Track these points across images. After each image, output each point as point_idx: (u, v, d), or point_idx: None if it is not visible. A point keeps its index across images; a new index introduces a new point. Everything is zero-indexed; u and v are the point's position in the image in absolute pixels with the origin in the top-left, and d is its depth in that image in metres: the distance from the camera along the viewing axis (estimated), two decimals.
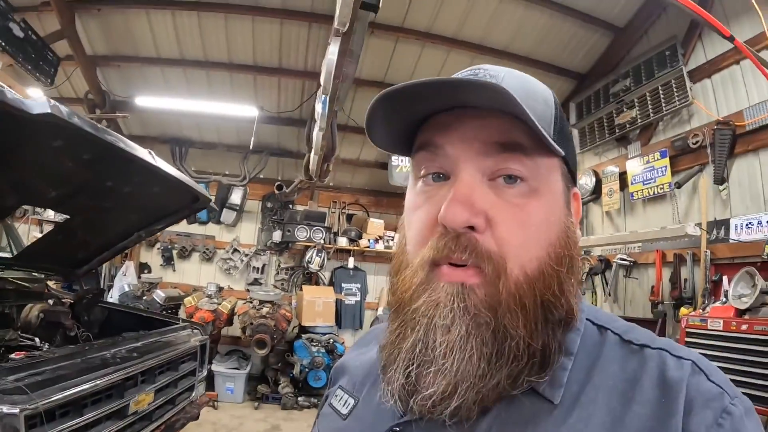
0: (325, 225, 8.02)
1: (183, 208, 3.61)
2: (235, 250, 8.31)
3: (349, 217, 8.69)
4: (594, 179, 5.95)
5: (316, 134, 5.26)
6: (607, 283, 5.63)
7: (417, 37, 5.99)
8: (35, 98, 2.03)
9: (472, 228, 0.61)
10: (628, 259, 5.35)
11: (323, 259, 7.91)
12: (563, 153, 0.65)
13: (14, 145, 2.27)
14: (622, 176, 5.58)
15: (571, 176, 0.73)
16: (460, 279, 0.62)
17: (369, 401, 0.78)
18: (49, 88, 6.12)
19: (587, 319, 0.71)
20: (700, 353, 2.07)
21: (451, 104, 0.65)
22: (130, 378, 2.74)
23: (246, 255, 8.30)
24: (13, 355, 2.64)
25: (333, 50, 3.67)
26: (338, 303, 7.70)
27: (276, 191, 7.79)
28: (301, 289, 7.62)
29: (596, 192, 5.96)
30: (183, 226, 8.13)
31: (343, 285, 8.14)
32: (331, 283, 8.20)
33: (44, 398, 2.02)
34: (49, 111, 1.99)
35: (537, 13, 5.43)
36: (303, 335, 6.93)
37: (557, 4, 5.33)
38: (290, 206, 8.37)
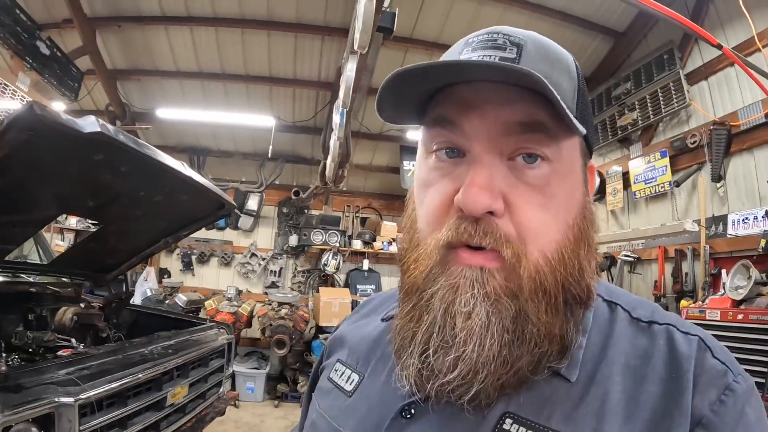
0: (340, 228, 8.26)
1: (209, 215, 3.78)
2: (253, 254, 8.52)
3: (363, 221, 8.89)
4: (599, 179, 6.02)
5: (334, 143, 5.50)
6: (612, 279, 5.75)
7: (426, 47, 6.16)
8: (86, 118, 2.22)
9: (491, 213, 0.59)
10: (632, 255, 5.51)
11: (339, 261, 8.10)
12: (584, 131, 0.61)
13: (61, 160, 2.44)
14: (625, 176, 5.72)
15: (589, 149, 0.71)
16: (479, 263, 0.60)
17: (375, 378, 0.76)
18: (72, 101, 6.38)
19: (597, 294, 0.70)
20: None
21: (470, 79, 0.61)
22: (167, 372, 2.93)
23: (263, 259, 8.51)
24: (60, 352, 2.87)
25: (351, 67, 3.89)
26: (354, 304, 7.77)
27: (293, 197, 8.02)
28: (317, 291, 7.79)
29: (601, 192, 6.08)
30: (202, 232, 8.30)
31: (358, 286, 8.32)
32: (346, 285, 8.37)
33: (94, 390, 2.21)
34: (98, 129, 2.18)
35: (539, 21, 5.58)
36: (320, 335, 7.09)
37: (558, 11, 5.50)
38: (305, 211, 8.61)
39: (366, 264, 8.48)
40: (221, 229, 8.62)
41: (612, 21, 5.66)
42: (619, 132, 5.68)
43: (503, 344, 0.58)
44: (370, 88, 6.38)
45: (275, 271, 8.51)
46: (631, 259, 5.52)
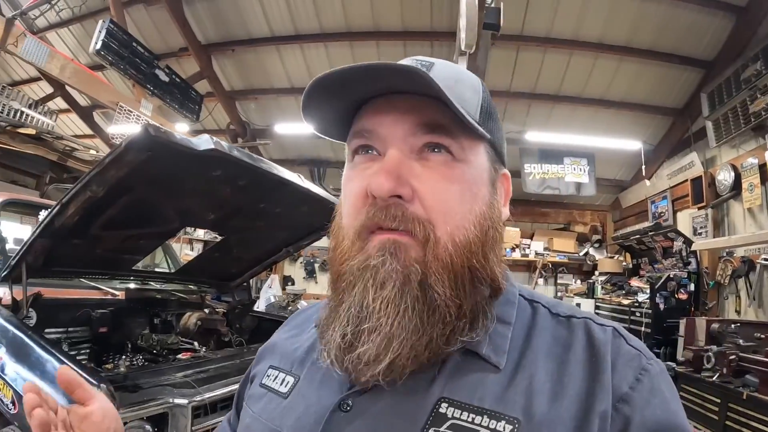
0: None
1: (327, 225, 4.02)
2: None
3: None
4: (733, 174, 5.66)
5: None
6: (751, 287, 5.32)
7: (537, 43, 6.10)
8: (200, 137, 2.36)
9: (399, 197, 0.66)
10: None
11: None
12: (488, 135, 0.72)
13: (180, 177, 2.63)
14: (762, 168, 5.23)
15: (500, 158, 0.79)
16: (392, 236, 0.66)
17: (311, 378, 0.80)
18: (194, 122, 7.06)
19: (520, 294, 0.79)
20: None
21: (383, 90, 0.70)
22: None
23: None
24: (180, 356, 3.09)
25: None
26: None
27: None
28: None
29: (736, 188, 5.65)
30: (324, 241, 8.79)
31: None
32: None
33: (209, 392, 2.33)
34: (212, 147, 2.31)
35: (653, 5, 5.36)
36: None
37: None
38: None
39: None
40: None
41: None
42: (752, 119, 5.20)
43: (415, 313, 0.64)
44: None
45: None
46: None
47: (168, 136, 2.19)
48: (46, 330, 3.04)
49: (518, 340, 0.71)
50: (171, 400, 2.15)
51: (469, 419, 0.63)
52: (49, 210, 2.46)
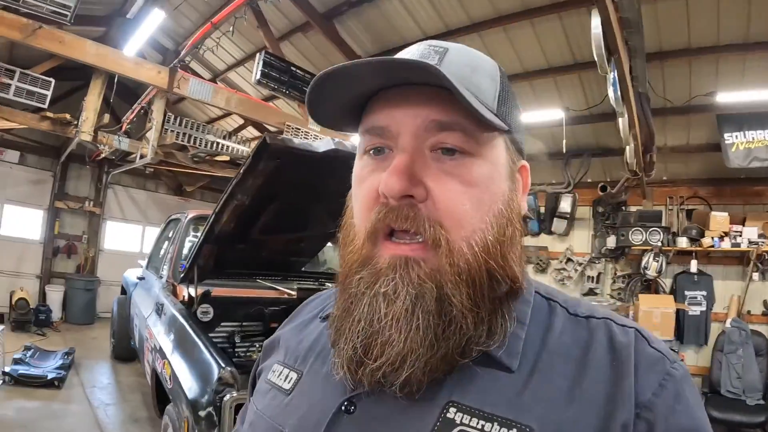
0: (662, 225, 7.85)
1: None
2: (569, 259, 8.71)
3: (689, 213, 8.29)
4: None
5: (622, 122, 5.36)
6: None
7: None
8: (323, 139, 2.72)
9: (411, 197, 0.68)
10: None
11: (660, 263, 7.70)
12: (506, 127, 0.73)
13: (320, 180, 2.82)
14: None
15: (519, 149, 0.80)
16: (403, 253, 0.69)
17: (315, 375, 0.82)
18: None
19: (536, 292, 0.80)
20: None
21: (395, 82, 0.71)
22: None
23: (580, 264, 8.61)
24: None
25: (596, 23, 3.80)
26: (680, 314, 7.32)
27: (600, 192, 7.97)
28: (638, 299, 7.52)
29: None
30: None
31: (686, 293, 7.73)
32: (672, 291, 7.91)
33: None
34: (333, 147, 2.61)
35: None
36: None
37: None
38: (623, 208, 8.40)
39: (694, 265, 7.78)
40: (535, 234, 8.99)
41: None
42: None
43: (429, 328, 0.67)
44: (661, 52, 6.15)
45: (593, 277, 8.48)
46: None
47: (287, 142, 2.61)
48: (222, 324, 3.73)
49: (534, 341, 0.73)
50: None
51: (479, 426, 0.65)
52: (207, 218, 3.06)
